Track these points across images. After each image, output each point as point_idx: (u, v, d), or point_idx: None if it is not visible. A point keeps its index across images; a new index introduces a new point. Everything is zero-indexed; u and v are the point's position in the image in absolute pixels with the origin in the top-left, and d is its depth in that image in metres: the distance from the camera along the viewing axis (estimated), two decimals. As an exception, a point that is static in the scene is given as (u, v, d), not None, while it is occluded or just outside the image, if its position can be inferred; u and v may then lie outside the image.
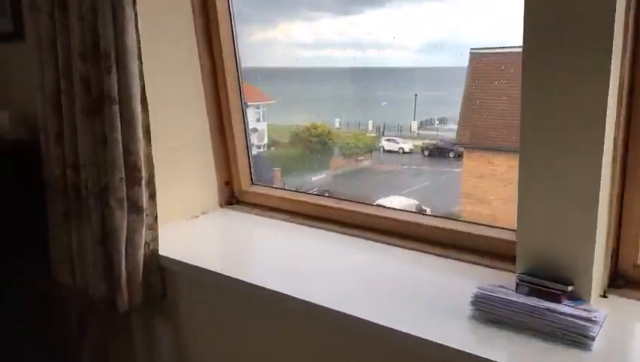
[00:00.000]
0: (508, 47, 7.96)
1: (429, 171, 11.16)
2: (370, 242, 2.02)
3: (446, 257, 1.88)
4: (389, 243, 2.01)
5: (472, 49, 8.26)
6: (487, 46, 8.29)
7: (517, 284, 1.54)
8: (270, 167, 10.94)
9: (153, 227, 1.98)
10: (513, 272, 1.68)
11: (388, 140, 13.09)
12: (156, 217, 1.97)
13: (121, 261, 1.93)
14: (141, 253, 1.95)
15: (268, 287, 1.69)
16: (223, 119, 2.39)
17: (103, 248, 1.96)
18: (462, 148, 8.93)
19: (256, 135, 11.84)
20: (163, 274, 2.00)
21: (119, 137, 1.86)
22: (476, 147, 7.37)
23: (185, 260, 1.93)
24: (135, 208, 1.92)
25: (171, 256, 1.96)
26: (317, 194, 2.31)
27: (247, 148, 2.44)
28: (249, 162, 2.46)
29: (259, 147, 12.12)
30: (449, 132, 13.34)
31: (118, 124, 1.85)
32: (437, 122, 14.36)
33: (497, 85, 7.77)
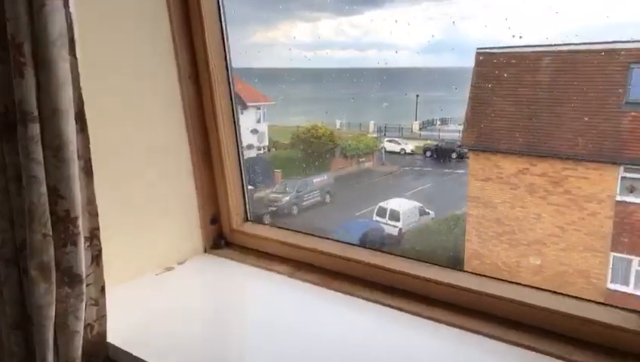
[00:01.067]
0: (515, 47, 7.04)
1: (432, 173, 10.49)
2: (432, 324, 1.24)
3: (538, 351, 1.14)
4: (453, 325, 1.24)
5: (478, 49, 7.34)
6: (489, 46, 7.36)
7: None
8: (271, 169, 10.25)
9: (98, 302, 1.24)
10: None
11: (389, 141, 12.36)
12: (103, 287, 1.23)
13: (47, 353, 1.19)
14: (79, 340, 1.21)
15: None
16: (208, 138, 1.62)
17: (20, 335, 1.22)
18: (466, 150, 8.18)
19: (257, 136, 11.07)
20: (114, 369, 1.26)
21: (41, 173, 1.12)
22: (482, 149, 6.66)
23: (146, 356, 1.18)
24: (69, 277, 1.17)
25: (126, 348, 1.22)
26: (336, 240, 1.54)
27: (241, 174, 1.69)
28: (243, 193, 1.70)
29: (259, 148, 11.39)
30: (451, 133, 12.57)
31: (40, 153, 1.11)
32: (438, 123, 13.54)
33: (505, 86, 6.99)
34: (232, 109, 1.58)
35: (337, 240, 1.47)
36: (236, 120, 1.58)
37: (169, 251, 1.51)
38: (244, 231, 1.59)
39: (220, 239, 1.61)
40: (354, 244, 1.46)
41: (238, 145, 1.60)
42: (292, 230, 1.57)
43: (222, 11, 1.51)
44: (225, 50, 1.55)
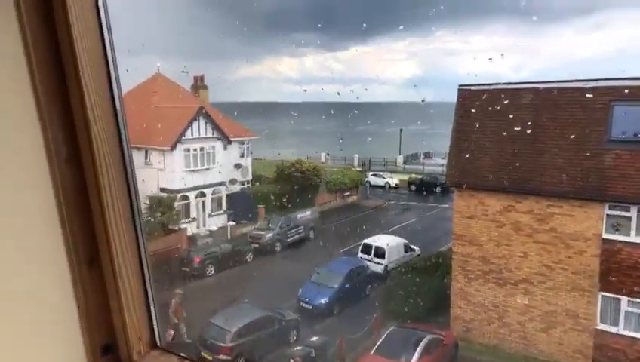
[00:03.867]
0: (497, 84, 6.61)
1: (416, 207, 10.02)
2: None
3: None
4: None
5: (460, 85, 6.95)
6: (471, 83, 6.95)
7: None
8: (254, 204, 9.73)
9: None
10: None
11: (374, 175, 11.95)
12: None
13: None
14: None
15: None
16: (95, 238, 1.10)
17: None
18: (449, 184, 7.72)
19: (240, 171, 10.58)
20: None
21: None
22: (466, 186, 6.26)
23: None
24: None
25: None
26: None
27: (144, 283, 1.16)
28: (148, 307, 1.18)
29: (242, 183, 10.88)
30: (435, 166, 12.15)
31: None
32: (422, 156, 13.23)
33: (487, 122, 6.59)
34: (130, 198, 1.09)
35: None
36: (136, 210, 1.10)
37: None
38: (147, 362, 1.10)
39: (117, 373, 1.12)
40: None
41: (139, 244, 1.11)
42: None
43: (108, 51, 1.01)
44: (116, 114, 1.05)
